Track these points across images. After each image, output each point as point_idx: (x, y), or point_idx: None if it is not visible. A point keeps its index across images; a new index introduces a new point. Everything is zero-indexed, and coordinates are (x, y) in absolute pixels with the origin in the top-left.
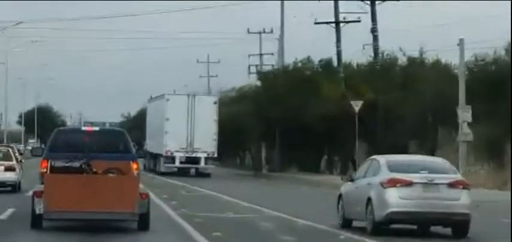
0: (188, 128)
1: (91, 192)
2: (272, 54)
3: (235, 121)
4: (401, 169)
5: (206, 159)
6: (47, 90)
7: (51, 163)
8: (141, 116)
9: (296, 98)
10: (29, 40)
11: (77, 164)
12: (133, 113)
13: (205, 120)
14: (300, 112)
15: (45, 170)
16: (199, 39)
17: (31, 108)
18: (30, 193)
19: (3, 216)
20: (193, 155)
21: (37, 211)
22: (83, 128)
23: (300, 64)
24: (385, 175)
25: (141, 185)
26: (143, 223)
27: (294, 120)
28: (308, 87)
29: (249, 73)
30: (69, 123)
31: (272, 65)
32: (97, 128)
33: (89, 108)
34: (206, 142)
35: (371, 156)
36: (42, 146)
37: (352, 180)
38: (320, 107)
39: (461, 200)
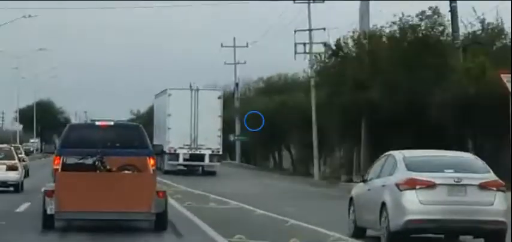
0: (192, 124)
1: (105, 191)
2: (335, 28)
3: (272, 115)
4: (422, 168)
5: (211, 156)
6: (49, 86)
7: (63, 160)
8: (151, 113)
9: (417, 73)
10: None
11: (90, 161)
12: (143, 110)
13: (210, 116)
14: (420, 94)
15: (57, 167)
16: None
17: (30, 104)
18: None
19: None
20: (197, 152)
21: (48, 211)
22: (97, 123)
23: (421, 24)
24: (402, 174)
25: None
26: (160, 223)
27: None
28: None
29: (296, 53)
30: (74, 121)
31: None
32: (111, 123)
33: (94, 106)
34: (211, 139)
35: None
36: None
37: (364, 181)
38: (454, 88)
39: (495, 205)
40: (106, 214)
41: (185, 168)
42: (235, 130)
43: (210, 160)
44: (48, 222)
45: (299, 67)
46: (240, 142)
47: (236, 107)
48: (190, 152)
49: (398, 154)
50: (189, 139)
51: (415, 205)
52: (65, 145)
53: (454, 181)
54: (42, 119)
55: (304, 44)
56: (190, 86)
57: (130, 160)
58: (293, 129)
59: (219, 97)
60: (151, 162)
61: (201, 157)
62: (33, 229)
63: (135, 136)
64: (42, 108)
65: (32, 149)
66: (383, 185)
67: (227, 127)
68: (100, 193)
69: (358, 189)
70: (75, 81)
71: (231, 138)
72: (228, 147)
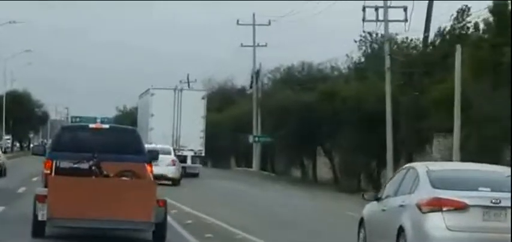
0: (174, 125)
1: (102, 198)
2: None
3: (304, 110)
4: (451, 185)
5: (193, 157)
6: (27, 78)
7: (56, 164)
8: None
9: None
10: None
11: (85, 165)
12: (130, 105)
13: (193, 116)
14: None
15: (49, 171)
16: None
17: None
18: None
19: None
20: (180, 153)
21: (40, 218)
22: (91, 125)
23: None
24: (426, 193)
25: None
26: (159, 233)
27: None
28: None
29: (365, 20)
30: (54, 117)
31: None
32: (107, 126)
33: (77, 102)
34: (193, 140)
35: None
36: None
37: (378, 199)
38: None
39: None
40: (103, 222)
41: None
42: (252, 129)
43: (192, 162)
44: (38, 229)
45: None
46: (261, 144)
47: (257, 99)
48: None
49: (421, 167)
50: (171, 139)
51: (441, 231)
52: (57, 148)
53: (491, 202)
54: (15, 112)
55: (376, 9)
56: (176, 87)
57: (128, 166)
58: (342, 127)
59: (202, 98)
60: (149, 168)
61: (183, 159)
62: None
63: (131, 140)
64: (15, 99)
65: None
66: (401, 206)
67: (243, 126)
68: (96, 200)
69: (370, 209)
70: (58, 77)
71: (250, 139)
72: (244, 150)
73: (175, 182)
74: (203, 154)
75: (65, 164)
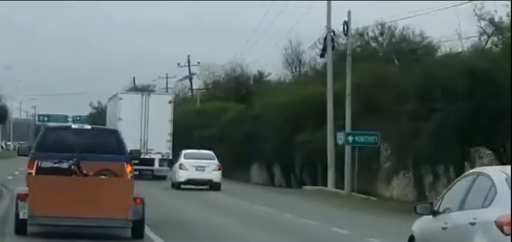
0: (142, 128)
1: (81, 196)
2: None
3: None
4: None
5: (161, 160)
6: None
7: (38, 164)
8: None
9: None
10: None
11: (65, 165)
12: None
13: (160, 120)
14: None
15: (32, 171)
16: None
17: None
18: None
19: None
20: (147, 156)
21: (21, 216)
22: (73, 126)
23: None
24: (506, 206)
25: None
26: (137, 231)
27: None
28: None
29: None
30: (18, 116)
31: None
32: (88, 127)
33: (47, 101)
34: (161, 143)
35: None
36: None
37: (435, 212)
38: None
39: None
40: (81, 220)
41: (136, 172)
42: (327, 123)
43: (160, 165)
44: (21, 227)
45: None
46: (355, 148)
47: (350, 72)
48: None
49: (498, 174)
50: (139, 143)
51: None
52: (40, 148)
53: None
54: None
55: None
56: (143, 90)
57: (108, 166)
58: None
59: (169, 102)
60: (129, 168)
61: (150, 162)
62: None
63: (112, 141)
64: None
65: None
66: (472, 223)
67: (287, 121)
68: (76, 198)
69: (424, 225)
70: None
71: (340, 139)
72: (288, 156)
73: (218, 187)
74: (171, 157)
75: (46, 163)
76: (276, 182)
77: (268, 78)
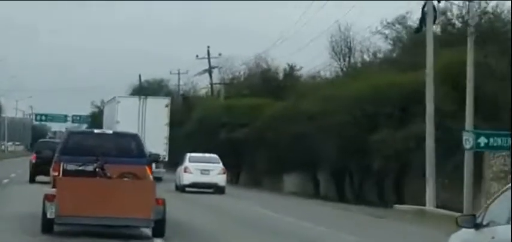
0: (139, 131)
1: (105, 197)
2: None
3: None
4: None
5: (157, 162)
6: None
7: (63, 166)
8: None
9: None
10: None
11: (90, 168)
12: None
13: (157, 123)
14: None
15: (57, 173)
16: None
17: None
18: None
19: None
20: None
21: (48, 215)
22: (96, 131)
23: None
24: None
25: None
26: (158, 229)
27: None
28: None
29: None
30: (14, 115)
31: None
32: (110, 131)
33: (42, 99)
34: (157, 146)
35: None
36: None
37: (478, 225)
38: None
39: None
40: (105, 219)
41: None
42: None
43: (156, 167)
44: (47, 226)
45: None
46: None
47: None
48: (159, 160)
49: None
50: None
51: None
52: (64, 151)
53: None
54: None
55: None
56: (140, 95)
57: (130, 168)
58: None
59: (166, 106)
60: (150, 170)
61: None
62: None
63: (133, 144)
64: None
65: None
66: None
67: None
68: (100, 199)
69: (465, 238)
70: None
71: (467, 141)
72: (333, 161)
73: (222, 190)
74: (166, 160)
75: (71, 166)
76: (321, 193)
77: (299, 72)
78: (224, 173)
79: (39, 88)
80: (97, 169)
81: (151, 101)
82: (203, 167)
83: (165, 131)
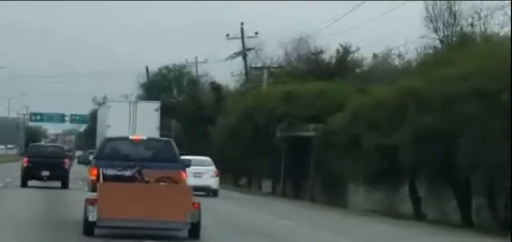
0: (130, 135)
1: (144, 201)
2: None
3: None
4: None
5: None
6: None
7: (103, 172)
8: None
9: None
10: None
11: (129, 173)
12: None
13: (147, 127)
14: None
15: (95, 178)
16: None
17: None
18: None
19: None
20: None
21: (90, 218)
22: (131, 137)
23: None
24: None
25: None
26: (194, 231)
27: None
28: None
29: None
30: (6, 115)
31: None
32: (144, 137)
33: (39, 98)
34: None
35: None
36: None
37: None
38: None
39: None
40: (145, 222)
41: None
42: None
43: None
44: (88, 228)
45: None
46: None
47: None
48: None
49: None
50: None
51: None
52: (101, 157)
53: None
54: None
55: None
56: (131, 100)
57: (167, 173)
58: None
59: (156, 110)
60: (185, 175)
61: None
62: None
63: (167, 150)
64: None
65: None
66: None
67: None
68: (139, 202)
69: None
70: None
71: None
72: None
73: (215, 193)
74: None
75: (110, 171)
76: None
77: (355, 55)
78: (217, 176)
79: (36, 85)
80: (135, 174)
81: (141, 105)
82: (196, 170)
83: (156, 134)
